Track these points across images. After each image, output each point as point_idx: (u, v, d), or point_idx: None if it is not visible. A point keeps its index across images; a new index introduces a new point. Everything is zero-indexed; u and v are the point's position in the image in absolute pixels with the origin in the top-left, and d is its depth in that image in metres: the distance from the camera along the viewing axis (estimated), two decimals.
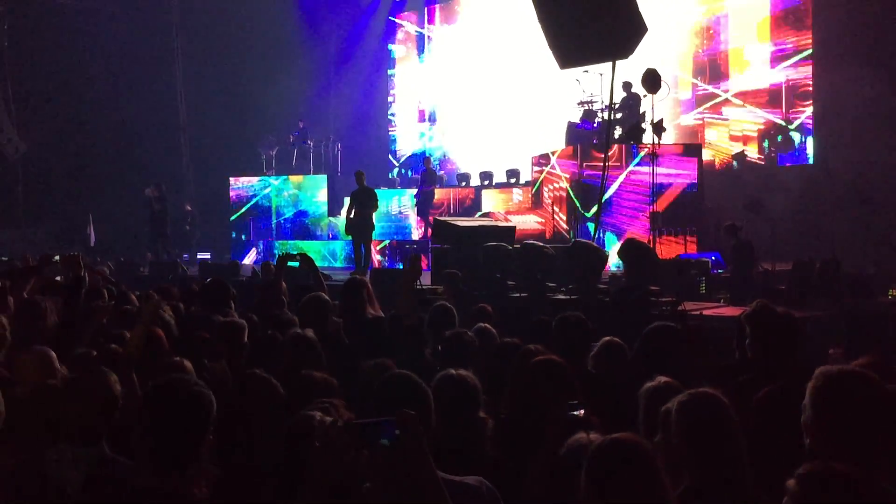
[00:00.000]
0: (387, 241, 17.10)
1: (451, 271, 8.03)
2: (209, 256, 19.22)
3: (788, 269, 10.23)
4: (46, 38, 20.11)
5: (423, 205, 16.72)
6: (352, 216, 14.06)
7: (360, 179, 14.17)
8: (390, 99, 23.19)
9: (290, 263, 6.54)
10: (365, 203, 13.95)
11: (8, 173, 20.40)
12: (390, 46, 23.10)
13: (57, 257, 5.55)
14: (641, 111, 13.44)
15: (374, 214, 14.18)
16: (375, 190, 14.71)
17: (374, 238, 14.93)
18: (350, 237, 14.43)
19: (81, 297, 4.85)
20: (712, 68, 16.55)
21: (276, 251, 18.38)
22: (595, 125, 14.74)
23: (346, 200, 15.99)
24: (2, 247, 17.37)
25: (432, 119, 22.25)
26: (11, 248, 16.76)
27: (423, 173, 17.00)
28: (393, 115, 23.12)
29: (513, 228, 11.18)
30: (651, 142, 11.45)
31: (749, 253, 10.72)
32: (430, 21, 22.32)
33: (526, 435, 3.18)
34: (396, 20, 22.80)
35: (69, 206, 19.68)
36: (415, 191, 17.51)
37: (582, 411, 2.86)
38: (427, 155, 19.49)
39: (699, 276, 9.97)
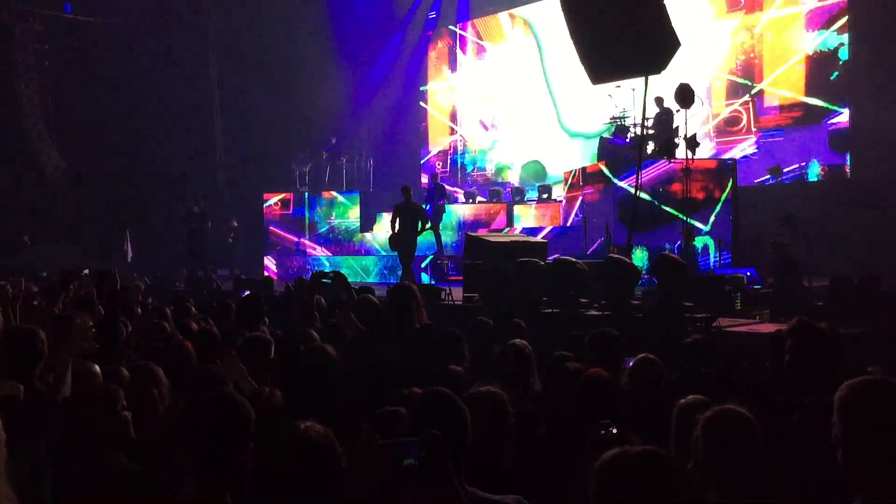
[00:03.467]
0: (431, 257, 16.89)
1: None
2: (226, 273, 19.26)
3: (826, 286, 10.05)
4: (85, 57, 20.54)
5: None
6: (396, 231, 13.89)
7: (407, 195, 14.04)
8: (422, 105, 23.26)
9: (322, 281, 6.58)
10: (411, 220, 13.81)
11: (47, 190, 20.80)
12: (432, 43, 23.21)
13: (86, 271, 5.56)
14: (674, 126, 13.36)
15: (406, 230, 13.87)
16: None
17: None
18: (396, 251, 14.26)
19: (117, 313, 4.88)
20: (746, 80, 16.41)
21: (309, 267, 18.52)
22: (628, 140, 14.68)
23: (385, 214, 15.93)
24: (41, 263, 17.67)
25: (463, 130, 22.29)
26: (50, 265, 17.04)
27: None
28: (426, 138, 23.19)
29: (545, 244, 11.13)
30: (684, 157, 11.37)
31: (794, 270, 10.54)
32: (463, 38, 22.39)
33: (562, 453, 3.16)
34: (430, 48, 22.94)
35: (107, 223, 20.00)
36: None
37: (614, 430, 2.83)
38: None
39: (734, 291, 9.83)
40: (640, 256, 12.21)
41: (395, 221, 14.00)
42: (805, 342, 3.80)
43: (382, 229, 19.08)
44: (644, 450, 2.08)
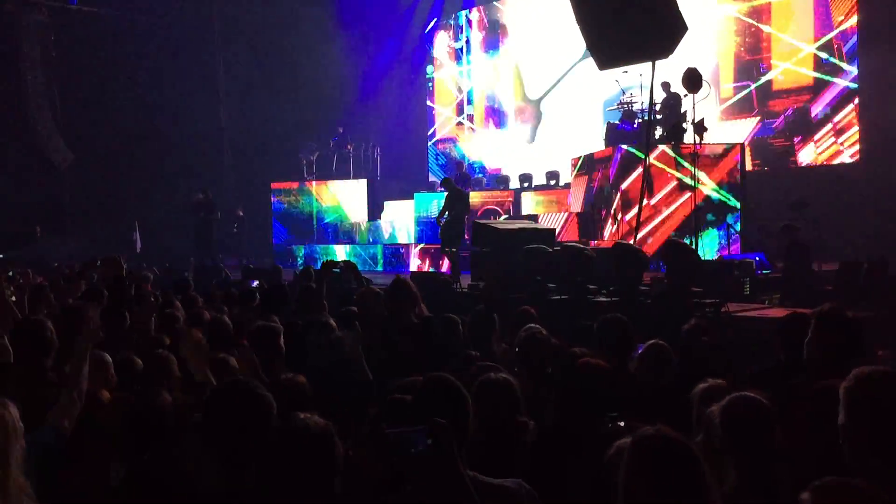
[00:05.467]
0: (422, 245, 17.05)
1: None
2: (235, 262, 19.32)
3: (835, 270, 10.03)
4: (91, 49, 20.56)
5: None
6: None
7: (449, 185, 14.04)
8: (429, 103, 23.22)
9: (333, 270, 6.60)
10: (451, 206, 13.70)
11: (55, 182, 20.86)
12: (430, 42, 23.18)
13: (99, 262, 5.57)
14: (682, 111, 13.29)
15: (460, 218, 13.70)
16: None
17: (415, 241, 14.63)
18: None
19: (124, 300, 4.88)
20: (753, 64, 16.31)
21: (317, 256, 18.56)
22: (635, 126, 14.61)
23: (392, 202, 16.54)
24: (50, 254, 17.74)
25: (470, 118, 22.26)
26: (59, 256, 17.11)
27: (457, 177, 16.95)
28: (433, 125, 23.15)
29: (553, 231, 11.13)
30: (692, 142, 11.32)
31: (805, 254, 10.49)
32: (469, 24, 22.32)
33: (568, 442, 3.17)
34: (432, 45, 22.86)
35: (115, 214, 20.06)
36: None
37: (622, 423, 2.84)
38: (460, 159, 19.49)
39: (743, 277, 9.81)
40: None
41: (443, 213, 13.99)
42: (831, 328, 3.78)
43: (390, 218, 19.18)
44: (662, 433, 2.12)
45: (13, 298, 6.11)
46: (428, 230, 17.51)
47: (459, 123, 22.49)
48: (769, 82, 16.09)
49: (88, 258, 8.86)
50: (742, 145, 13.84)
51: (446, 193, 14.08)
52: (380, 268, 17.49)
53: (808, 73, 15.47)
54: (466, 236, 13.81)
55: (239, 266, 17.30)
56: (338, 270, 6.80)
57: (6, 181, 19.12)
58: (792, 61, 15.70)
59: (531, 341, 4.53)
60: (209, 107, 22.89)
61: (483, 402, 3.16)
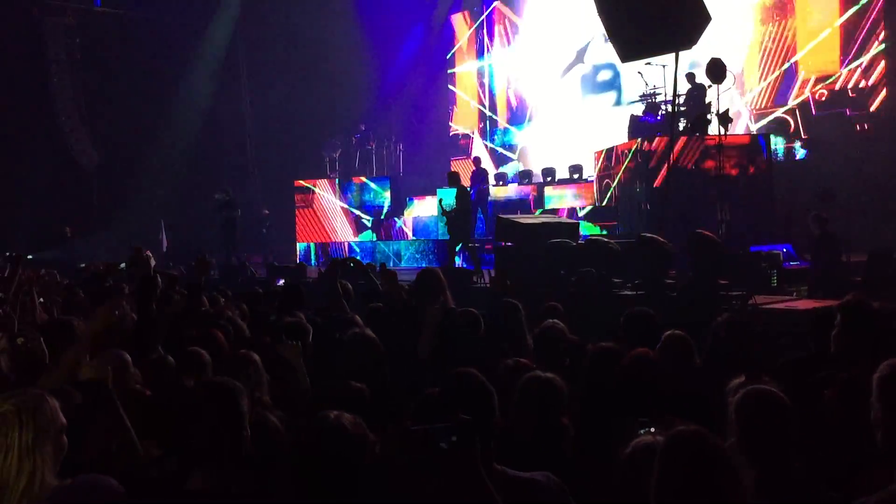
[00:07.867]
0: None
1: None
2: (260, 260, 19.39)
3: (864, 261, 9.89)
4: (116, 50, 20.76)
5: (477, 204, 16.58)
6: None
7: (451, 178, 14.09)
8: (451, 86, 23.20)
9: (350, 266, 6.63)
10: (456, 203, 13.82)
11: (82, 182, 21.08)
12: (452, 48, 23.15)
13: (122, 265, 5.58)
14: (707, 101, 13.17)
15: (462, 214, 13.92)
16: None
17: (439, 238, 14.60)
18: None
19: (154, 299, 4.90)
20: (779, 53, 16.14)
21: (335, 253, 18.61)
22: (659, 118, 14.51)
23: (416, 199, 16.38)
24: (78, 254, 17.93)
25: (493, 112, 22.21)
26: (86, 256, 17.29)
27: (475, 173, 16.89)
28: (455, 121, 23.13)
29: (576, 225, 11.08)
30: (717, 133, 11.22)
31: (834, 245, 10.33)
32: (490, 19, 22.27)
33: (596, 441, 3.15)
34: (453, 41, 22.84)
35: (141, 213, 20.23)
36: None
37: (653, 429, 2.82)
38: (476, 155, 19.46)
39: (770, 268, 9.71)
40: None
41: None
42: (857, 320, 3.74)
43: (414, 214, 19.21)
44: (696, 432, 2.10)
45: (41, 300, 6.19)
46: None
47: (481, 118, 22.45)
48: (795, 72, 15.91)
49: (115, 258, 8.94)
50: (767, 135, 13.72)
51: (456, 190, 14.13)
52: (404, 264, 17.50)
53: (835, 60, 15.28)
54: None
55: (264, 263, 17.39)
56: (353, 266, 6.83)
57: (35, 183, 19.36)
58: (816, 43, 15.47)
59: (548, 335, 4.50)
60: (233, 106, 23.02)
61: (527, 401, 3.16)
